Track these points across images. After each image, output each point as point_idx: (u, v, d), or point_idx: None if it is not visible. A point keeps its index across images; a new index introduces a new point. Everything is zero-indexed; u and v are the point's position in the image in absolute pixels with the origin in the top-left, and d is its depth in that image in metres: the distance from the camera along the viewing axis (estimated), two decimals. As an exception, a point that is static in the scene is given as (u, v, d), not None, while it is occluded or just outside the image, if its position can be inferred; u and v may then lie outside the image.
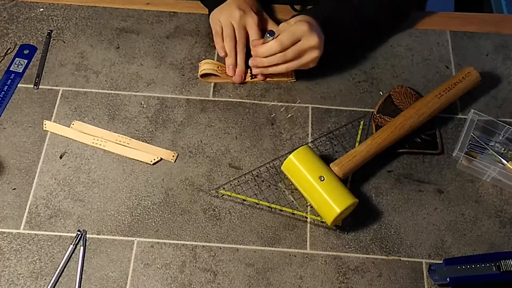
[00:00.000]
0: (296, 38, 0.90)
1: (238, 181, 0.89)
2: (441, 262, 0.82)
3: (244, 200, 0.88)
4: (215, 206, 0.87)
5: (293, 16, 0.96)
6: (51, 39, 1.04)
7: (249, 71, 1.00)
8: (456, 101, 0.97)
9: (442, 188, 0.90)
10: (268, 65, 0.94)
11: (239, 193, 0.88)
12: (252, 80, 0.99)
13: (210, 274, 0.82)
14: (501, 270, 0.78)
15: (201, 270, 0.82)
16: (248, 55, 0.98)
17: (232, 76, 0.99)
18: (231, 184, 0.89)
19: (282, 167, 0.87)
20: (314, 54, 0.92)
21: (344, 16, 0.97)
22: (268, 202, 0.87)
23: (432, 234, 0.86)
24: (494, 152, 0.91)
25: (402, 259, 0.84)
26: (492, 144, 0.92)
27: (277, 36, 0.90)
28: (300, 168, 0.84)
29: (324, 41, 0.92)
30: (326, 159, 0.87)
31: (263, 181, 0.90)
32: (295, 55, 0.91)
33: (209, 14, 1.01)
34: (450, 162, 0.92)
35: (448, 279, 0.79)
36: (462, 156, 0.89)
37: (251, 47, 0.96)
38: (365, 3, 0.99)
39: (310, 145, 0.93)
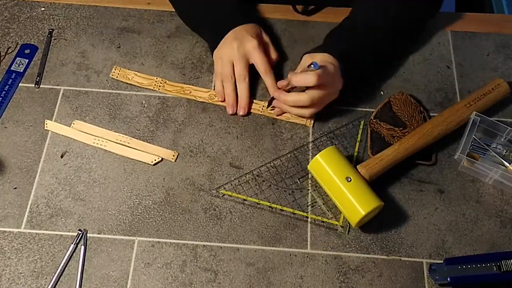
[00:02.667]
0: (326, 90, 0.89)
1: (239, 181, 0.89)
2: (442, 262, 0.82)
3: (244, 199, 0.88)
4: (215, 205, 0.87)
5: (314, 50, 0.93)
6: (52, 38, 1.04)
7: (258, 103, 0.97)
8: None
9: (442, 188, 0.90)
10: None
11: (239, 193, 0.88)
12: (262, 112, 0.96)
13: (210, 274, 0.82)
14: (502, 270, 0.78)
15: (202, 270, 0.82)
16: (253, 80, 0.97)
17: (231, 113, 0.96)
18: (231, 184, 0.89)
19: (308, 167, 0.87)
20: (333, 97, 0.92)
21: (363, 51, 0.95)
22: (269, 202, 0.87)
23: (433, 234, 0.86)
24: (496, 154, 0.91)
25: (402, 259, 0.84)
26: (494, 146, 0.92)
27: (318, 69, 0.85)
28: (327, 168, 0.84)
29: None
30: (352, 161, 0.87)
31: (263, 180, 0.90)
32: (321, 102, 0.91)
33: (212, 52, 0.99)
34: (450, 162, 0.92)
35: (448, 279, 0.79)
36: (464, 158, 0.89)
37: (273, 90, 0.93)
38: (381, 36, 0.96)
39: (310, 144, 0.93)
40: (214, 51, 0.97)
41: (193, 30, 1.03)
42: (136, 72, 0.99)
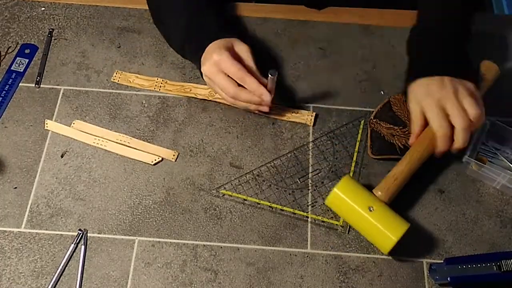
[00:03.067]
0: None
1: (239, 181, 0.89)
2: (442, 261, 0.82)
3: (245, 199, 0.88)
4: (216, 205, 0.87)
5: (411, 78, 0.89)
6: (52, 38, 1.04)
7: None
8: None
9: (443, 188, 0.90)
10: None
11: (240, 193, 0.88)
12: (270, 115, 0.95)
13: (211, 274, 0.82)
14: (502, 270, 0.78)
15: (202, 269, 0.82)
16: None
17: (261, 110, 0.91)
18: (232, 184, 0.89)
19: (326, 202, 0.84)
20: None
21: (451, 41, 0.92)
22: (269, 202, 0.87)
23: (433, 234, 0.86)
24: (504, 159, 0.91)
25: (402, 258, 0.84)
26: (503, 151, 0.92)
27: None
28: (347, 201, 0.82)
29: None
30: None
31: (264, 180, 0.90)
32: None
33: (201, 75, 0.92)
34: (451, 162, 0.92)
35: (449, 279, 0.79)
36: (472, 162, 0.89)
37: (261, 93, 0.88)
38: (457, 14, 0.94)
39: (311, 144, 0.93)
40: (203, 73, 0.91)
41: (184, 57, 1.00)
42: (137, 75, 0.99)
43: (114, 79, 0.99)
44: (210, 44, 0.90)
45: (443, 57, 0.91)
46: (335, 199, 0.83)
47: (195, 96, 0.97)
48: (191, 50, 0.95)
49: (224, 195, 0.88)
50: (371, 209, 0.81)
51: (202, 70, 0.90)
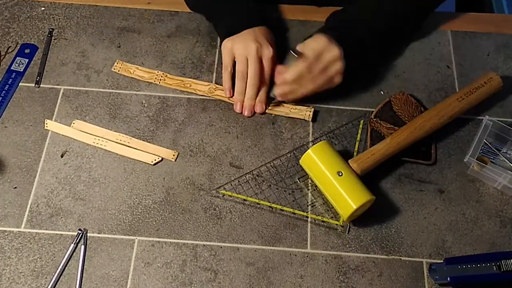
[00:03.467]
0: (319, 52, 0.89)
1: (239, 181, 0.89)
2: (442, 261, 0.82)
3: (244, 200, 0.88)
4: (215, 205, 0.87)
5: (305, 39, 0.93)
6: (52, 38, 1.04)
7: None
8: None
9: (443, 188, 0.90)
10: (295, 89, 0.92)
11: (239, 193, 0.88)
12: (270, 111, 0.96)
13: (210, 273, 0.82)
14: (502, 270, 0.78)
15: (202, 269, 0.82)
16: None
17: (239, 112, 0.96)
18: (231, 184, 0.89)
19: (300, 161, 0.88)
20: (337, 66, 0.91)
21: (359, 30, 0.95)
22: (269, 202, 0.87)
23: (433, 234, 0.86)
24: (506, 159, 0.91)
25: (402, 258, 0.84)
26: (505, 151, 0.92)
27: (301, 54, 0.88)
28: (318, 163, 0.85)
29: (343, 54, 0.90)
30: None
31: (263, 180, 0.90)
32: (320, 70, 0.90)
33: (221, 42, 0.97)
34: (451, 162, 0.92)
35: (448, 279, 0.79)
36: (473, 162, 0.89)
37: (275, 76, 0.94)
38: (379, 17, 0.97)
39: (310, 144, 0.93)
40: (226, 41, 0.95)
41: (204, 11, 1.03)
42: (138, 66, 1.00)
43: (114, 69, 0.99)
44: (251, 29, 0.94)
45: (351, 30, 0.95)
46: (308, 160, 0.86)
47: (194, 92, 0.97)
48: (225, 21, 0.98)
49: (224, 195, 0.88)
50: (340, 174, 0.83)
51: (232, 46, 0.94)
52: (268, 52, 0.93)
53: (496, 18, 1.15)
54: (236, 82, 0.95)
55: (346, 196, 0.82)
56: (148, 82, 0.99)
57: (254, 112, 0.96)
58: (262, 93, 0.95)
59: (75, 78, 0.99)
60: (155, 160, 0.90)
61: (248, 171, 0.90)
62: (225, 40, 0.95)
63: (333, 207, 0.87)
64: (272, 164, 0.91)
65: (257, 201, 0.87)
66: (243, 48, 0.93)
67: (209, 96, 0.97)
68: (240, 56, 0.93)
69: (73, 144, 0.92)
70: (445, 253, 0.84)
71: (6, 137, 0.92)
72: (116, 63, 1.00)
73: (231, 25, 0.96)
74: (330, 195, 0.85)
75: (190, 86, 0.98)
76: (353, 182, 0.83)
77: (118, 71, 0.99)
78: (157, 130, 0.94)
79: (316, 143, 0.93)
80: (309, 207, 0.87)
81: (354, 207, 0.81)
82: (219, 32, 1.00)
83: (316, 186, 0.88)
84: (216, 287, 0.81)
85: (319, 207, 0.87)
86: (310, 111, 0.95)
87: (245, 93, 0.95)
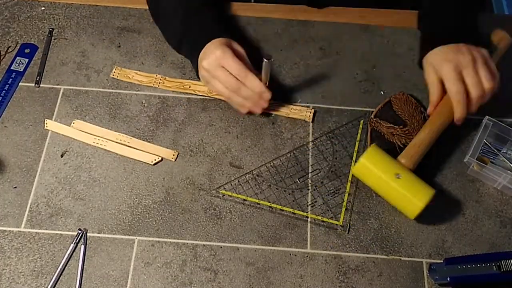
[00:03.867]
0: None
1: (239, 181, 0.89)
2: (442, 261, 0.82)
3: (244, 200, 0.88)
4: (215, 205, 0.87)
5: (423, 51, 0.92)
6: (52, 38, 1.04)
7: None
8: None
9: (442, 188, 0.90)
10: None
11: (239, 193, 0.88)
12: (270, 110, 0.95)
13: (210, 273, 0.82)
14: (502, 270, 0.78)
15: (202, 269, 0.82)
16: None
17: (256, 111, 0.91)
18: (231, 184, 0.89)
19: (353, 171, 0.88)
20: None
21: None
22: (269, 202, 0.87)
23: (433, 234, 0.86)
24: (506, 159, 0.91)
25: (402, 258, 0.84)
26: (505, 151, 0.92)
27: None
28: (374, 170, 0.84)
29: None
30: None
31: (263, 180, 0.90)
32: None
33: (197, 74, 0.94)
34: (451, 162, 0.92)
35: (448, 279, 0.79)
36: (473, 162, 0.89)
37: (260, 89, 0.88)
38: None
39: (310, 144, 0.93)
40: (199, 71, 0.92)
41: (179, 52, 1.01)
42: (136, 71, 1.00)
43: (113, 75, 0.99)
44: (212, 41, 0.90)
45: (456, 26, 0.93)
46: (362, 169, 0.85)
47: (194, 93, 0.97)
48: (190, 46, 0.95)
49: (224, 195, 0.88)
50: (398, 176, 0.83)
51: (202, 65, 0.90)
52: (219, 53, 0.88)
53: (496, 18, 1.15)
54: (224, 85, 0.89)
55: (411, 197, 0.82)
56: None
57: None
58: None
59: (75, 78, 0.99)
60: (155, 160, 0.90)
61: (248, 171, 0.90)
62: (198, 69, 0.92)
63: (333, 207, 0.87)
64: (272, 164, 0.91)
65: (257, 201, 0.87)
66: (210, 61, 0.88)
67: (209, 96, 0.97)
68: (213, 68, 0.88)
69: (73, 144, 0.92)
70: (445, 253, 0.84)
71: (6, 137, 0.92)
72: (114, 69, 1.00)
73: (192, 54, 0.93)
74: (392, 199, 0.85)
75: (189, 87, 0.98)
76: (413, 181, 0.84)
77: (117, 77, 0.99)
78: (157, 130, 0.94)
79: (316, 143, 0.93)
80: (309, 207, 0.87)
81: (422, 205, 0.81)
82: (188, 57, 0.98)
83: (321, 188, 0.88)
84: (216, 287, 0.81)
85: (318, 207, 0.87)
86: (310, 112, 0.95)
87: (242, 88, 0.88)
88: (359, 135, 0.94)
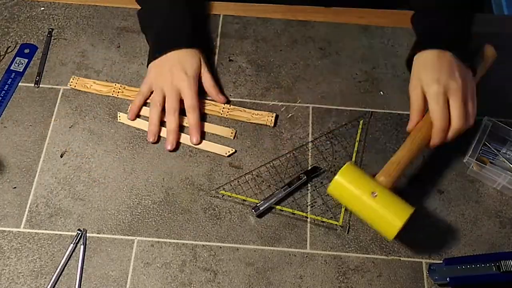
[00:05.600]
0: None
1: (238, 181, 0.89)
2: (441, 262, 0.82)
3: (244, 200, 0.88)
4: (215, 205, 0.87)
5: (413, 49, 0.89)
6: (52, 38, 1.04)
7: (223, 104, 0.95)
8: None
9: (442, 188, 0.90)
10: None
11: (239, 193, 0.88)
12: (230, 116, 0.95)
13: (210, 273, 0.82)
14: (501, 270, 0.78)
15: (201, 270, 0.82)
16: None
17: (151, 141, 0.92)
18: (231, 185, 0.89)
19: (328, 190, 0.82)
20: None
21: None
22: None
23: (433, 234, 0.86)
24: (505, 160, 0.91)
25: (402, 259, 0.84)
26: (504, 152, 0.92)
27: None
28: (349, 188, 0.79)
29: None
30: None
31: (263, 181, 0.90)
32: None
33: (149, 61, 0.96)
34: (450, 162, 0.92)
35: (448, 279, 0.79)
36: (473, 162, 0.89)
37: (195, 129, 0.92)
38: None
39: (310, 144, 0.93)
40: (152, 63, 0.95)
41: (141, 30, 1.02)
42: (95, 81, 0.98)
43: (70, 85, 0.97)
44: (186, 50, 0.93)
45: (448, 30, 0.90)
46: (337, 187, 0.80)
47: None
48: (163, 38, 0.96)
49: (223, 195, 0.88)
50: (374, 194, 0.78)
51: (156, 72, 0.93)
52: (184, 84, 0.92)
53: (496, 18, 1.15)
54: (150, 110, 0.93)
55: (388, 216, 0.77)
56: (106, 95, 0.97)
57: (177, 147, 0.92)
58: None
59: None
60: (229, 152, 0.91)
61: (248, 171, 0.90)
62: (151, 63, 0.95)
63: (332, 207, 0.87)
64: (271, 164, 0.91)
65: (256, 201, 0.87)
66: (161, 79, 0.93)
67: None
68: (156, 87, 0.93)
69: (73, 144, 0.92)
70: (445, 254, 0.84)
71: (6, 137, 0.92)
72: (71, 79, 0.97)
73: (155, 47, 0.96)
74: (368, 218, 0.80)
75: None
76: (390, 200, 0.78)
77: (74, 87, 0.97)
78: (157, 130, 0.94)
79: (315, 143, 0.93)
80: (309, 207, 0.87)
81: (400, 224, 0.76)
82: (149, 53, 0.98)
83: (321, 188, 0.88)
84: (216, 287, 0.81)
85: (318, 207, 0.87)
86: (272, 116, 0.95)
87: (159, 123, 0.92)
88: (358, 135, 0.94)
